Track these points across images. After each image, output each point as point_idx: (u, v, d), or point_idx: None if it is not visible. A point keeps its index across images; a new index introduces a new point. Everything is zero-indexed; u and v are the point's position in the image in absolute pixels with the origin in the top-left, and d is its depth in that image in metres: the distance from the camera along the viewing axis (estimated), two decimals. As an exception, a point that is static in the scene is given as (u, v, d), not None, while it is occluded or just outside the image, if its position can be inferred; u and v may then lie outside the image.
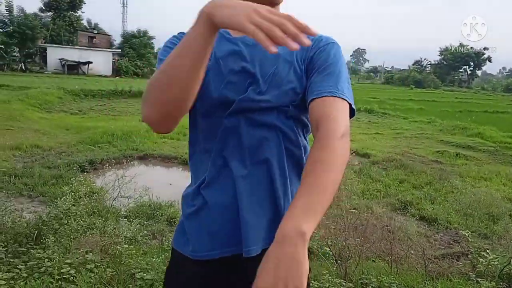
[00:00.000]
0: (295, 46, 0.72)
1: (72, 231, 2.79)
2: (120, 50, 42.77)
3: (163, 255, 2.73)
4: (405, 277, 2.85)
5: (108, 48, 42.02)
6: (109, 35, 46.80)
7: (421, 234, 5.32)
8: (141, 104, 0.97)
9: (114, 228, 3.02)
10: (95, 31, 46.24)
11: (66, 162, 7.51)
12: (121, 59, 41.24)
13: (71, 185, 3.67)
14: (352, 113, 1.03)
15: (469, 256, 3.28)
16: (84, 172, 7.42)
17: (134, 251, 2.72)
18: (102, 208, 3.75)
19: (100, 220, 3.10)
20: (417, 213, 6.23)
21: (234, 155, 1.09)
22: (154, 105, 0.94)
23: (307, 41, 0.72)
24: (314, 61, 1.07)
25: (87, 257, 2.38)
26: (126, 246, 2.71)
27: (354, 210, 5.59)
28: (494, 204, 6.23)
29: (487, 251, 2.89)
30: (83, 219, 3.01)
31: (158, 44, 52.33)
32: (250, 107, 1.07)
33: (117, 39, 49.38)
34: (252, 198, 1.10)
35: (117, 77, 35.64)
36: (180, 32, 1.15)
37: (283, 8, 1.14)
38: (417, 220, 5.98)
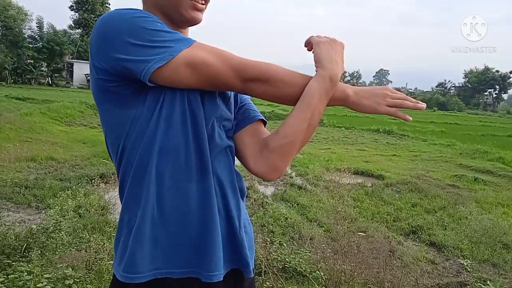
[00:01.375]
0: (423, 106, 1.12)
1: (59, 245, 2.79)
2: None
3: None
4: (395, 306, 2.74)
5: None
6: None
7: (428, 261, 5.13)
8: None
9: (104, 244, 2.99)
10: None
11: (77, 175, 7.62)
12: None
13: (57, 198, 3.67)
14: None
15: (467, 286, 3.13)
16: (94, 185, 7.50)
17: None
18: (94, 222, 3.75)
19: (87, 234, 3.09)
20: (427, 239, 6.03)
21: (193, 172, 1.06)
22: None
23: (424, 105, 1.12)
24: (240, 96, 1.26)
25: (67, 273, 2.36)
26: (111, 262, 2.69)
27: (362, 233, 5.47)
28: (509, 232, 5.99)
29: (489, 282, 2.75)
30: (74, 233, 3.00)
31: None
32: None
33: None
34: (215, 219, 1.07)
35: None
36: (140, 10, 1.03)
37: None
38: (426, 245, 5.80)
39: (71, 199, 3.70)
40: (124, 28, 0.95)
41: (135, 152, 1.02)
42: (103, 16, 0.99)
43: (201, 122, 1.05)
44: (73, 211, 3.49)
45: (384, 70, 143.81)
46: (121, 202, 1.09)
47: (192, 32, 1.19)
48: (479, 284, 2.71)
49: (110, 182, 7.96)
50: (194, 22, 1.12)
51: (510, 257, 5.32)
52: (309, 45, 1.13)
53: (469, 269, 2.84)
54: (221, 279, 1.06)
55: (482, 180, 10.72)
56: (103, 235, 3.36)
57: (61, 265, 2.47)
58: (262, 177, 1.16)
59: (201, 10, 1.11)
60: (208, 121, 1.07)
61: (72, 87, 35.95)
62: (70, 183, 7.07)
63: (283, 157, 1.09)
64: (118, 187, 1.10)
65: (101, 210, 4.79)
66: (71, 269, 2.37)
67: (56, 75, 39.10)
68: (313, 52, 1.09)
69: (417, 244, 5.92)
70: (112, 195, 6.56)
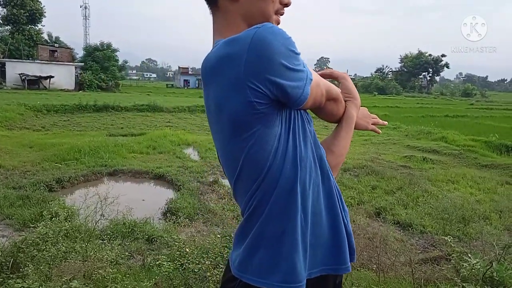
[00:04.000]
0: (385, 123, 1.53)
1: (52, 257, 2.64)
2: (83, 64, 41.83)
3: (153, 279, 2.62)
4: (394, 285, 2.88)
5: (70, 62, 40.93)
6: (71, 49, 45.64)
7: (397, 240, 5.39)
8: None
9: (96, 252, 2.87)
10: (56, 45, 45.00)
11: (32, 182, 7.22)
12: (84, 73, 40.31)
13: (50, 209, 3.48)
14: None
15: (451, 260, 3.35)
16: (52, 191, 7.15)
17: (118, 275, 2.60)
18: (83, 231, 3.58)
19: (82, 245, 2.94)
20: (391, 219, 6.33)
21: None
22: None
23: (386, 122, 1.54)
24: None
25: (72, 285, 2.25)
26: (110, 270, 2.59)
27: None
28: (464, 207, 6.42)
29: (469, 255, 2.95)
30: (63, 243, 2.85)
31: (122, 56, 51.50)
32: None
33: (80, 53, 48.35)
34: (339, 216, 1.16)
35: (80, 91, 34.79)
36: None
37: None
38: (392, 225, 6.08)
39: (61, 209, 3.51)
40: (280, 50, 0.97)
41: (281, 167, 1.04)
42: (258, 33, 0.96)
43: (313, 133, 1.16)
44: (65, 221, 3.31)
45: (325, 58, 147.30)
46: (252, 215, 1.08)
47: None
48: (464, 257, 2.92)
49: (68, 187, 7.64)
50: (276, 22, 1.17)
51: (468, 230, 5.71)
52: (327, 76, 1.30)
53: (452, 245, 3.05)
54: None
55: (430, 159, 11.37)
56: (90, 243, 3.20)
57: (62, 278, 2.34)
58: None
59: (279, 24, 1.17)
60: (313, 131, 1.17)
61: (5, 88, 33.69)
62: (26, 190, 6.69)
63: (338, 171, 1.28)
64: (249, 204, 1.08)
65: (70, 217, 4.58)
66: (76, 282, 2.26)
67: (-15, 76, 36.51)
68: (342, 84, 1.30)
69: (383, 225, 6.19)
70: (74, 200, 6.30)
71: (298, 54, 1.01)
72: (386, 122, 1.53)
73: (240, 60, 0.96)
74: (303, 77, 1.02)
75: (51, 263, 2.61)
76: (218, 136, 1.12)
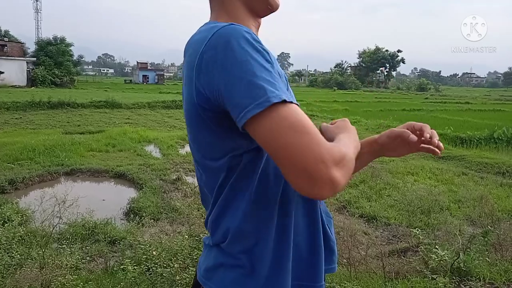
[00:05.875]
0: None
1: (5, 265, 2.43)
2: (35, 59, 40.08)
3: (118, 286, 2.46)
4: (365, 280, 2.87)
5: (21, 57, 39.11)
6: (22, 43, 43.61)
7: (363, 232, 5.45)
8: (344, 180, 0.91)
9: (54, 258, 2.67)
10: (5, 39, 42.84)
11: (-18, 184, 6.79)
12: (36, 68, 38.64)
13: (2, 214, 3.22)
14: None
15: (419, 252, 3.39)
16: (5, 193, 6.75)
17: (79, 281, 2.43)
18: (39, 235, 3.34)
19: (39, 251, 2.73)
20: (356, 212, 6.40)
21: None
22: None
23: None
24: None
25: (27, 297, 2.07)
26: (71, 277, 2.41)
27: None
28: (426, 198, 6.58)
29: (437, 246, 2.99)
30: (17, 250, 2.63)
31: (77, 51, 49.81)
32: None
33: (31, 47, 46.31)
34: (319, 233, 1.05)
35: (32, 87, 33.34)
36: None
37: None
38: (357, 218, 6.14)
39: (15, 213, 3.25)
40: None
41: (265, 184, 0.92)
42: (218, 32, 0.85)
43: None
44: (19, 226, 3.06)
45: (285, 54, 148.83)
46: (229, 230, 0.95)
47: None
48: (432, 248, 2.96)
49: (22, 188, 7.25)
50: (277, 9, 1.08)
51: (430, 221, 5.85)
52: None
53: (421, 237, 3.08)
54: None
55: (390, 152, 11.62)
56: (45, 248, 2.99)
57: (18, 289, 2.15)
58: None
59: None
60: None
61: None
62: (-24, 193, 6.28)
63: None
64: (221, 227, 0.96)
65: (25, 222, 4.31)
66: (32, 293, 2.08)
67: None
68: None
69: (348, 218, 6.25)
70: (29, 202, 5.97)
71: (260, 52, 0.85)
72: None
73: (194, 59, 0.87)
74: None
75: (4, 272, 2.41)
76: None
